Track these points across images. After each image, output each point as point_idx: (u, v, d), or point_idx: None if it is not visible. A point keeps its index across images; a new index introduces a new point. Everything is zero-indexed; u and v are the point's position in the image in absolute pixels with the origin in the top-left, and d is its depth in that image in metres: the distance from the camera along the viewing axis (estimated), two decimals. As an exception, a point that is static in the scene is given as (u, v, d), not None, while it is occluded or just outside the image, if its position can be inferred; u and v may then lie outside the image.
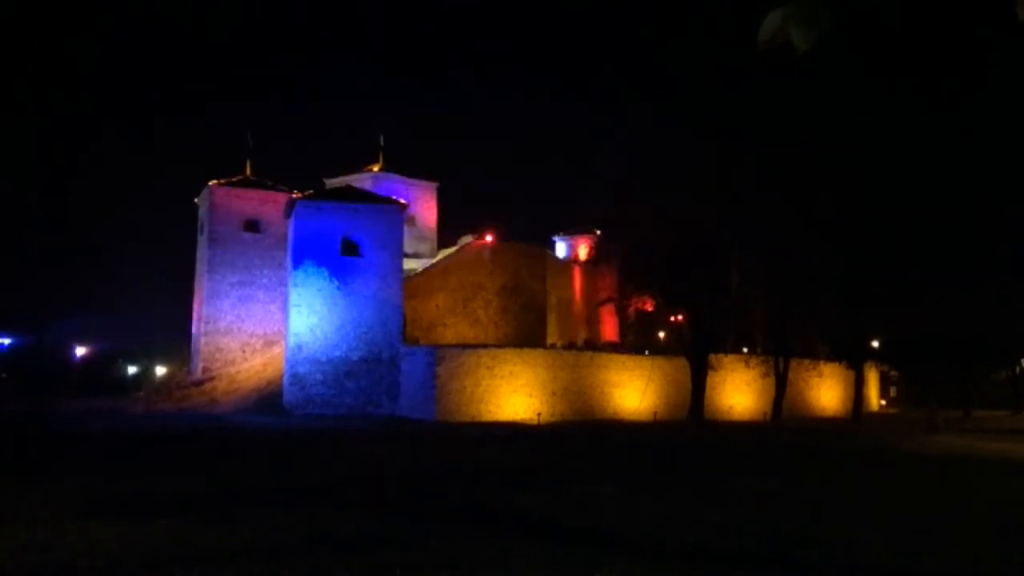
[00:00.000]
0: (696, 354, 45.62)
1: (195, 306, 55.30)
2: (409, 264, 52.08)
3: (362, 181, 58.31)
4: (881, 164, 49.35)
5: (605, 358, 47.24)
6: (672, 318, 48.40)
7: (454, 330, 52.26)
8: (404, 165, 64.95)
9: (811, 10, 3.35)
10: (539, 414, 41.71)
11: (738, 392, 51.82)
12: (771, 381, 49.76)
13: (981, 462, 26.28)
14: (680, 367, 47.16)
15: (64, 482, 16.66)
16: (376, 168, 63.11)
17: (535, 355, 44.05)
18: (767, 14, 3.40)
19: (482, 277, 54.21)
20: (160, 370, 64.29)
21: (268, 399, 44.28)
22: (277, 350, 49.38)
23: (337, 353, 42.14)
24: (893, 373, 75.29)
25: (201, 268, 54.17)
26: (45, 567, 9.68)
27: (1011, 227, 45.92)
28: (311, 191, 47.86)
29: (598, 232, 53.84)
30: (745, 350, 54.50)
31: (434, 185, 65.88)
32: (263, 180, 55.31)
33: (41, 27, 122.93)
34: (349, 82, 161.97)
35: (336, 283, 42.58)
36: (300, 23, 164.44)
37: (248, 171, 55.92)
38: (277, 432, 31.43)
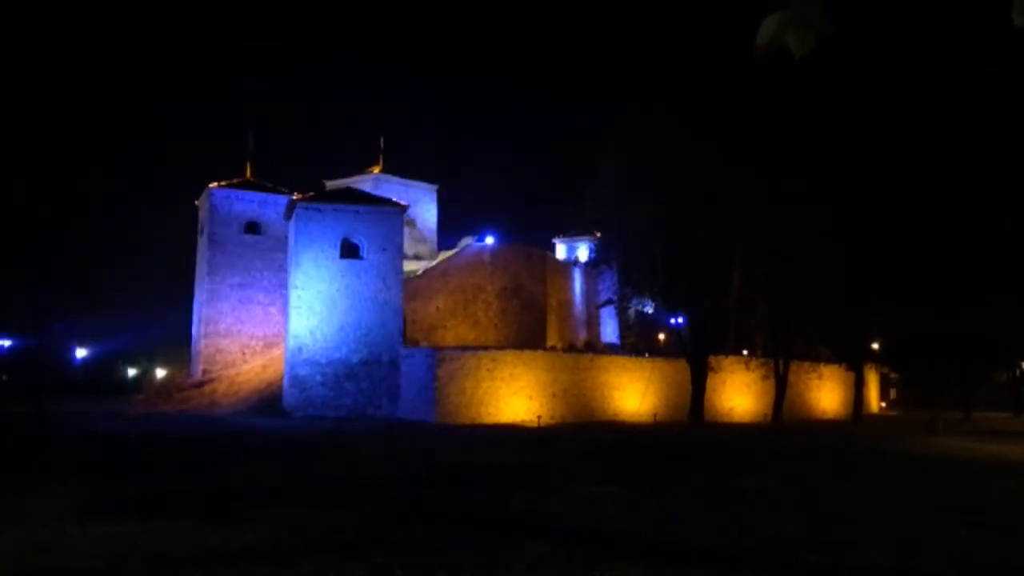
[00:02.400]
0: (696, 356, 45.61)
1: (195, 308, 55.34)
2: (409, 266, 52.12)
3: (362, 183, 58.36)
4: (883, 166, 49.45)
5: (605, 360, 47.23)
6: (672, 320, 48.41)
7: (454, 332, 52.28)
8: (404, 167, 65.11)
9: (810, 15, 3.35)
10: (539, 416, 41.69)
11: (738, 394, 51.82)
12: (771, 383, 49.76)
13: (982, 464, 26.31)
14: (680, 369, 47.14)
15: (65, 483, 16.67)
16: (376, 170, 63.17)
17: (535, 357, 44.04)
18: (764, 18, 3.40)
19: (482, 279, 54.24)
20: (160, 372, 64.34)
21: (268, 401, 44.29)
22: (277, 352, 49.40)
23: (337, 355, 42.15)
24: (893, 375, 75.34)
25: (201, 270, 54.22)
26: (46, 568, 9.69)
27: (1011, 230, 46.02)
28: (311, 193, 47.89)
29: (598, 234, 53.79)
30: (745, 352, 54.51)
31: (434, 187, 65.97)
32: (263, 182, 55.37)
33: (41, 27, 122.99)
34: (349, 84, 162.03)
35: (336, 285, 42.59)
36: (300, 23, 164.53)
37: (248, 173, 55.98)
38: (277, 434, 31.43)
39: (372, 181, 60.29)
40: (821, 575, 10.27)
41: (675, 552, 11.20)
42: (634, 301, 48.63)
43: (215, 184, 53.00)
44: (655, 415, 46.41)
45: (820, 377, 57.13)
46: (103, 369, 70.61)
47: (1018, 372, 68.03)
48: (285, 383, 42.94)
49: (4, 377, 65.87)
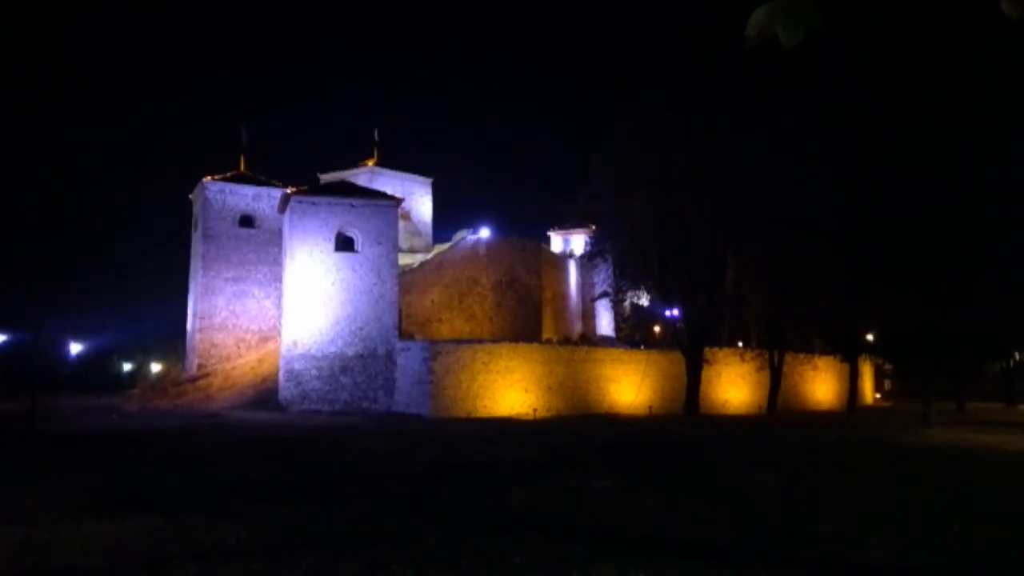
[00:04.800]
0: (691, 348, 45.68)
1: (190, 302, 55.18)
2: (404, 259, 52.05)
3: (357, 176, 58.26)
4: (875, 158, 49.47)
5: (600, 353, 47.29)
6: (667, 312, 48.48)
7: (449, 325, 52.26)
8: (399, 160, 65.03)
9: (799, 6, 3.32)
10: (535, 409, 41.74)
11: (733, 386, 51.94)
12: (766, 375, 49.87)
13: (976, 455, 26.37)
14: (675, 361, 47.22)
15: (61, 480, 16.61)
16: (371, 163, 63.03)
17: (530, 350, 44.07)
18: (754, 10, 3.36)
19: (477, 272, 54.21)
20: (155, 367, 64.16)
21: (263, 395, 44.24)
22: (272, 346, 49.33)
23: (332, 349, 42.09)
24: (887, 366, 75.62)
25: (196, 264, 54.03)
26: (43, 566, 9.65)
27: (1005, 221, 46.12)
28: (306, 186, 47.75)
29: (593, 227, 53.82)
30: (740, 344, 54.62)
31: (429, 180, 65.86)
32: (257, 175, 55.15)
33: (36, 21, 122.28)
34: (344, 77, 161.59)
35: (331, 279, 42.50)
36: (295, 16, 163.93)
37: (242, 166, 55.77)
38: (273, 428, 31.39)
39: (367, 174, 60.16)
40: (819, 569, 10.27)
41: (673, 546, 11.20)
42: (629, 294, 48.67)
43: (209, 178, 52.77)
44: (650, 407, 46.52)
45: (815, 368, 57.31)
46: (97, 364, 70.36)
47: (1011, 363, 68.35)
48: (280, 377, 42.88)
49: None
